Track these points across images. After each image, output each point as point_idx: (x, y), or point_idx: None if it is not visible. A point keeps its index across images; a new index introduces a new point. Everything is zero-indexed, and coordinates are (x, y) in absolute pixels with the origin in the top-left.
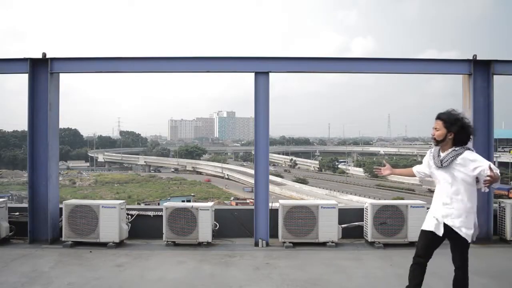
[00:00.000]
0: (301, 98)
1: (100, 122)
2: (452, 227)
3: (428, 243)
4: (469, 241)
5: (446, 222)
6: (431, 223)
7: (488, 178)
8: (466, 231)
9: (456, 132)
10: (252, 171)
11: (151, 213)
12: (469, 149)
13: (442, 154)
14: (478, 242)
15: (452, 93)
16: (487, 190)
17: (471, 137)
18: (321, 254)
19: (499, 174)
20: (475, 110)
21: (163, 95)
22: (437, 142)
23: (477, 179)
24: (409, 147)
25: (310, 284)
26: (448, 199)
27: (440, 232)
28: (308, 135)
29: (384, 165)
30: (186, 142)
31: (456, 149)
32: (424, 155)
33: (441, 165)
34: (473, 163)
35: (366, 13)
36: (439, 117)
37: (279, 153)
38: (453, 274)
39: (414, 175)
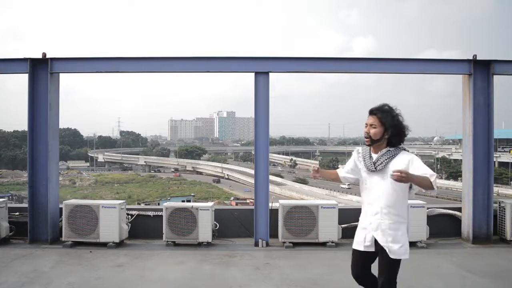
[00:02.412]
0: (301, 98)
1: (100, 122)
2: (383, 242)
3: (362, 261)
4: (402, 258)
5: (377, 235)
6: (361, 238)
7: (396, 173)
8: (398, 247)
9: (393, 130)
10: (252, 171)
11: (151, 213)
12: (404, 149)
13: (375, 156)
14: (478, 242)
15: (452, 92)
16: (412, 197)
17: (404, 137)
18: (321, 254)
19: (433, 186)
20: (475, 110)
21: (163, 95)
22: (372, 142)
23: (410, 186)
24: (409, 147)
25: (310, 284)
26: (380, 207)
27: (373, 247)
28: (308, 135)
29: (315, 169)
30: (186, 142)
31: (391, 149)
32: (424, 155)
33: (375, 168)
34: (409, 165)
35: (366, 13)
36: (374, 112)
37: (279, 153)
38: (453, 274)
39: (339, 180)
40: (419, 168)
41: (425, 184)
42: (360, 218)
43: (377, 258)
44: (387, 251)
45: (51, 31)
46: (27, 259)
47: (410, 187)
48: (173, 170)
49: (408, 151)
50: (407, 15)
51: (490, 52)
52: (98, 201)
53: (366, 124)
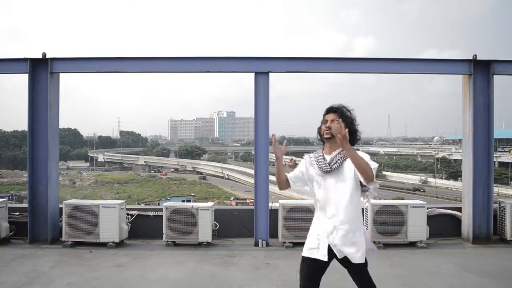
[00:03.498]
0: (301, 98)
1: (100, 122)
2: (340, 247)
3: (314, 271)
4: (364, 261)
5: (333, 241)
6: (315, 244)
7: (339, 131)
8: (355, 250)
9: (350, 129)
10: (252, 171)
11: (151, 213)
12: (358, 149)
13: (329, 156)
14: (478, 242)
15: (452, 92)
16: (370, 200)
17: (357, 140)
18: None
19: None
20: (475, 110)
21: (163, 95)
22: (328, 140)
23: (362, 187)
24: (409, 147)
25: None
26: (335, 211)
27: (326, 256)
28: (308, 135)
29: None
30: (186, 142)
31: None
32: (424, 155)
33: (330, 168)
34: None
35: (367, 13)
36: (335, 110)
37: None
38: (453, 274)
39: (285, 180)
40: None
41: (363, 165)
42: (313, 224)
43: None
44: (348, 256)
45: (51, 31)
46: (27, 259)
47: (364, 190)
48: (173, 170)
49: (360, 151)
50: (408, 15)
51: (490, 52)
52: (98, 201)
53: (326, 120)
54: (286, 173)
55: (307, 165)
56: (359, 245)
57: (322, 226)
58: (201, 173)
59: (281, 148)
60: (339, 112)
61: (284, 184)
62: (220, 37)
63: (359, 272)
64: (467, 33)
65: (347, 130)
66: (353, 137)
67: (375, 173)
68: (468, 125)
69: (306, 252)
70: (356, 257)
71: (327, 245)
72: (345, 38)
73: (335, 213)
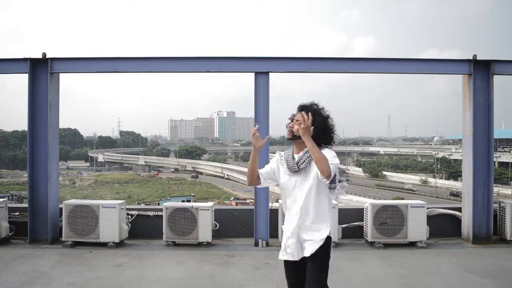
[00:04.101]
0: (301, 98)
1: (100, 122)
2: (304, 245)
3: (292, 272)
4: (325, 262)
5: (298, 239)
6: (283, 245)
7: (302, 122)
8: (321, 249)
9: (317, 131)
10: None
11: (151, 213)
12: (327, 147)
13: (297, 156)
14: (478, 242)
15: (452, 92)
16: (336, 202)
17: (333, 140)
18: None
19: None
20: (475, 110)
21: (163, 95)
22: (294, 138)
23: (330, 184)
24: (409, 147)
25: None
26: (300, 209)
27: (296, 255)
28: None
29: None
30: (186, 142)
31: None
32: (424, 155)
33: (298, 168)
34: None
35: (367, 13)
36: (301, 109)
37: None
38: (453, 274)
39: (256, 175)
40: (326, 154)
41: (319, 157)
42: (284, 225)
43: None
44: (309, 254)
45: (51, 31)
46: (27, 259)
47: (332, 186)
48: (173, 170)
49: (330, 149)
50: (408, 15)
51: (490, 52)
52: (98, 201)
53: (293, 119)
54: (258, 169)
55: (277, 163)
56: (320, 238)
57: (289, 226)
58: (195, 171)
59: (262, 140)
60: (310, 111)
61: (255, 179)
62: (220, 37)
63: (316, 274)
64: (467, 33)
65: (310, 120)
66: (324, 134)
67: (337, 170)
68: (468, 125)
69: (281, 254)
70: (316, 255)
71: (294, 245)
72: (345, 38)
73: (301, 213)
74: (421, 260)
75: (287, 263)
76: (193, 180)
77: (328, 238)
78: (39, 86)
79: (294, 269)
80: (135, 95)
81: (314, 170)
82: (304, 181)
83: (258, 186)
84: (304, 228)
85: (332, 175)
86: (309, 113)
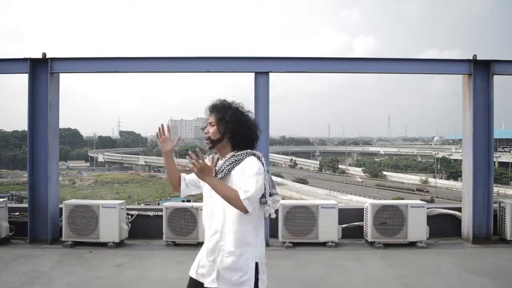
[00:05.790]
0: (301, 98)
1: (100, 122)
2: (220, 269)
3: None
4: None
5: (213, 260)
6: (196, 262)
7: (193, 159)
8: (238, 276)
9: (234, 129)
10: None
11: (151, 213)
12: (254, 154)
13: (220, 163)
14: (478, 242)
15: (452, 92)
16: (273, 215)
17: (257, 138)
18: (321, 254)
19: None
20: (475, 110)
21: (163, 95)
22: (212, 143)
23: (263, 201)
24: (409, 147)
25: (310, 284)
26: (221, 225)
27: (205, 277)
28: (308, 135)
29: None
30: (186, 142)
31: (237, 154)
32: (424, 155)
33: (216, 176)
34: (243, 172)
35: (367, 12)
36: (211, 109)
37: (279, 153)
38: (453, 274)
39: (178, 183)
40: (243, 181)
41: (231, 199)
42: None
43: None
44: (222, 282)
45: (51, 31)
46: (27, 259)
47: (262, 201)
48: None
49: (260, 157)
50: (408, 15)
51: (490, 52)
52: (98, 201)
53: (207, 123)
54: (181, 174)
55: None
56: (243, 270)
57: (208, 243)
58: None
59: (172, 143)
60: (215, 112)
61: (175, 185)
62: (220, 37)
63: None
64: (467, 33)
65: (200, 158)
66: (241, 130)
67: (253, 199)
68: (468, 125)
69: (191, 269)
70: (233, 283)
71: (209, 267)
72: (345, 38)
73: (218, 229)
74: (421, 260)
75: (192, 280)
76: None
77: (248, 268)
78: (39, 86)
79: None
80: (135, 95)
81: (236, 181)
82: None
83: (182, 194)
84: (222, 248)
85: (251, 209)
86: (196, 151)
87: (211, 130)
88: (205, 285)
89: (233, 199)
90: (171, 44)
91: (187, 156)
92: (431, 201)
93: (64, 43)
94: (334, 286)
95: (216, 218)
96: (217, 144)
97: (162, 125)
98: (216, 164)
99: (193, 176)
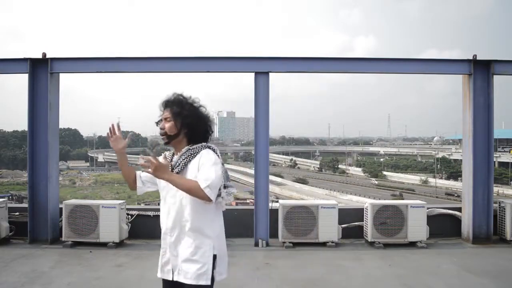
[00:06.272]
0: (301, 98)
1: (100, 122)
2: (179, 262)
3: None
4: (201, 283)
5: (173, 255)
6: (160, 260)
7: (145, 162)
8: (196, 268)
9: (191, 124)
10: (252, 171)
11: (151, 213)
12: (209, 147)
13: (175, 158)
14: (478, 242)
15: (452, 92)
16: (224, 208)
17: (211, 131)
18: (321, 254)
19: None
20: (475, 110)
21: (163, 95)
22: (169, 139)
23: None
24: (409, 147)
25: (310, 284)
26: (179, 220)
27: (170, 272)
28: (308, 135)
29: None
30: None
31: (192, 147)
32: (424, 155)
33: (172, 171)
34: (201, 164)
35: (367, 12)
36: (166, 104)
37: (279, 153)
38: (453, 274)
39: (134, 181)
40: (201, 171)
41: (193, 190)
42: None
43: None
44: (181, 275)
45: (51, 31)
46: (27, 259)
47: (218, 194)
48: None
49: (214, 149)
50: (408, 15)
51: (490, 52)
52: (98, 201)
53: (161, 119)
54: (136, 172)
55: None
56: (200, 262)
57: (166, 239)
58: None
59: (123, 141)
60: (170, 107)
61: (131, 183)
62: (220, 37)
63: None
64: (467, 33)
65: (154, 158)
66: (198, 124)
67: (214, 187)
68: (468, 125)
69: (158, 271)
70: (192, 276)
71: (171, 262)
72: (345, 38)
73: (176, 224)
74: (421, 260)
75: (165, 282)
76: None
77: (206, 260)
78: (39, 86)
79: (170, 286)
80: (135, 95)
81: (191, 175)
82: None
83: (139, 192)
84: (180, 242)
85: (214, 197)
86: (147, 153)
87: (167, 125)
88: (174, 279)
89: (194, 189)
90: (171, 44)
91: (138, 162)
92: (400, 195)
93: (64, 43)
94: (334, 286)
95: (174, 212)
96: (174, 139)
97: (113, 125)
98: (171, 159)
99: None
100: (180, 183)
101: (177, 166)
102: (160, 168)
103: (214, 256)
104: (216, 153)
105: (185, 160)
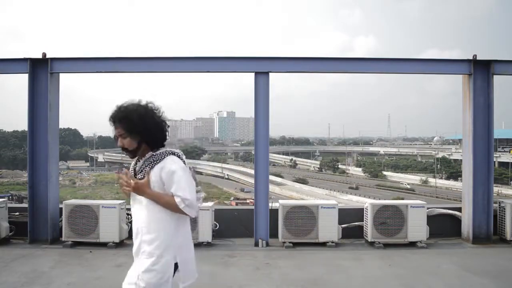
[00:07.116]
0: (301, 98)
1: (100, 122)
2: (139, 270)
3: None
4: None
5: (136, 265)
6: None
7: (123, 180)
8: (152, 275)
9: (148, 135)
10: (252, 171)
11: None
12: (173, 153)
13: (139, 163)
14: (478, 242)
15: (452, 92)
16: (195, 216)
17: (168, 133)
18: (321, 254)
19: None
20: (475, 110)
21: (163, 95)
22: (132, 153)
23: None
24: (409, 147)
25: (310, 284)
26: (141, 226)
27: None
28: (308, 135)
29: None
30: (186, 142)
31: (156, 153)
32: (424, 155)
33: (136, 177)
34: (171, 176)
35: (367, 12)
36: (114, 119)
37: (279, 153)
38: (453, 274)
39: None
40: (173, 187)
41: (173, 208)
42: None
43: None
44: (142, 283)
45: (51, 31)
46: (27, 259)
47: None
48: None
49: (180, 155)
50: (408, 15)
51: (490, 52)
52: (98, 201)
53: (116, 136)
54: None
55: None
56: (158, 271)
57: (134, 246)
58: (201, 173)
59: (141, 181)
60: (120, 123)
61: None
62: (220, 37)
63: None
64: (467, 33)
65: (130, 178)
66: (154, 136)
67: (192, 205)
68: (468, 125)
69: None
70: (148, 284)
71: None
72: (345, 38)
73: (139, 231)
74: (421, 260)
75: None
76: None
77: (166, 269)
78: (39, 86)
79: None
80: (135, 95)
81: (154, 183)
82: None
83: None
84: (142, 248)
85: (193, 214)
86: (126, 172)
87: (125, 141)
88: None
89: (173, 208)
90: (171, 44)
91: (116, 184)
92: (356, 188)
93: (64, 43)
94: (334, 286)
95: (138, 219)
96: (137, 152)
97: (123, 173)
98: (135, 163)
99: None
100: (160, 201)
101: (141, 172)
102: (139, 188)
103: (176, 265)
104: (181, 158)
105: (148, 167)
